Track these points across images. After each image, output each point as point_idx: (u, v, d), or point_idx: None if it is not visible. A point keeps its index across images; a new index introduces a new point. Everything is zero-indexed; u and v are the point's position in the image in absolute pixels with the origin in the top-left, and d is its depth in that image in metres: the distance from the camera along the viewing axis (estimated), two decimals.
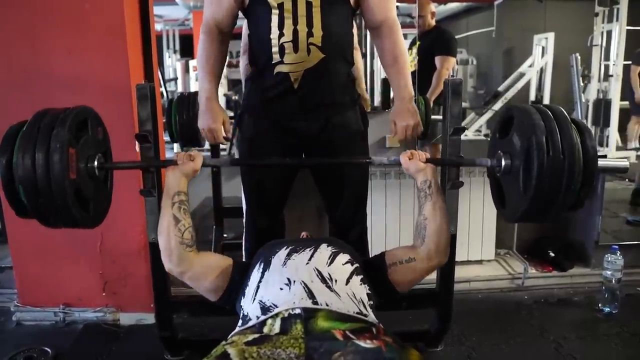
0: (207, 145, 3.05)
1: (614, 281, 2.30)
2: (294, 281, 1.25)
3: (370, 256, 1.59)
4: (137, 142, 1.65)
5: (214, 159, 1.71)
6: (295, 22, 1.54)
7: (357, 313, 1.20)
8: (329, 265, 1.32)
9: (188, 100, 2.64)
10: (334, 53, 1.61)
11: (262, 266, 1.35)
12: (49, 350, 2.01)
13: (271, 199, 1.82)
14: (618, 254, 2.32)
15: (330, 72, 1.64)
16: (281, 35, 1.55)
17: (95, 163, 1.36)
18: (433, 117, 2.54)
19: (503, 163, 1.35)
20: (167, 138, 2.63)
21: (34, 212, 1.25)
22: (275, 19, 1.55)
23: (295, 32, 1.54)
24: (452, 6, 8.43)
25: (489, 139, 1.53)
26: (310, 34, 1.55)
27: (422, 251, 1.41)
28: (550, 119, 1.25)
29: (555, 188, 1.20)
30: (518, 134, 1.30)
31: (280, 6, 1.54)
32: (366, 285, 1.34)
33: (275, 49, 1.57)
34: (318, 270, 1.29)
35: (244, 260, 2.07)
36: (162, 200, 1.43)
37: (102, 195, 1.45)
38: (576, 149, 1.21)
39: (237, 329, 1.21)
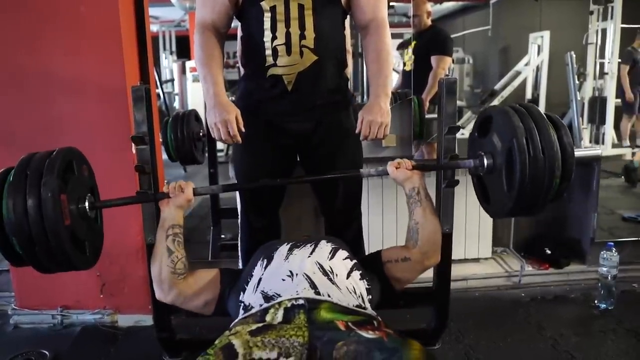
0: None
1: (609, 278, 2.31)
2: (296, 274, 1.27)
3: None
4: (133, 144, 1.65)
5: (205, 187, 1.68)
6: (287, 24, 1.54)
7: (357, 306, 1.23)
8: (330, 260, 1.35)
9: (182, 119, 2.66)
10: (326, 55, 1.61)
11: (264, 262, 1.37)
12: (47, 353, 2.01)
13: (266, 198, 1.82)
14: (614, 251, 2.33)
15: (324, 74, 1.64)
16: (274, 38, 1.55)
17: (86, 204, 1.35)
18: (428, 115, 2.54)
19: (485, 163, 1.40)
20: (164, 157, 2.62)
21: (30, 261, 1.24)
22: (267, 22, 1.55)
23: (287, 35, 1.55)
24: (448, 5, 8.43)
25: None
26: (302, 36, 1.55)
27: (415, 253, 1.46)
28: (528, 119, 1.29)
29: (537, 186, 1.27)
30: (498, 135, 1.34)
31: (273, 9, 1.54)
32: (365, 281, 1.37)
33: (268, 52, 1.57)
34: (319, 264, 1.32)
35: (240, 261, 2.08)
36: (157, 232, 1.46)
37: (96, 233, 1.45)
38: (555, 147, 1.26)
39: (239, 318, 1.22)
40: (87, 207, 1.35)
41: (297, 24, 1.55)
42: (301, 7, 1.55)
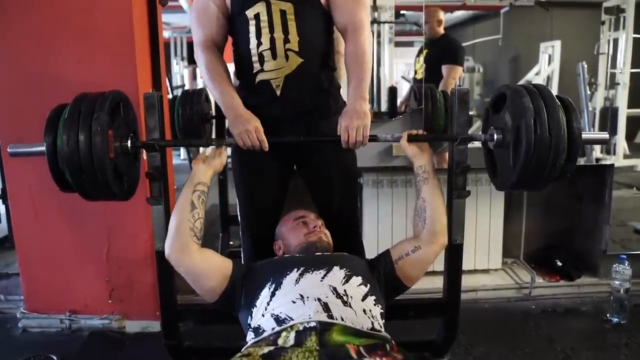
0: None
1: (622, 291, 2.29)
2: (308, 297, 1.25)
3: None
4: (144, 151, 1.66)
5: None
6: (271, 30, 1.58)
7: (371, 329, 1.22)
8: (343, 285, 1.34)
9: (192, 96, 2.59)
10: (312, 57, 1.63)
11: (272, 286, 1.35)
12: (54, 357, 2.02)
13: (265, 206, 1.82)
14: (626, 264, 2.31)
15: (311, 77, 1.65)
16: (259, 44, 1.59)
17: (129, 143, 1.48)
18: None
19: (495, 137, 1.46)
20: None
21: (77, 188, 1.38)
22: (252, 30, 1.59)
23: (272, 40, 1.58)
24: (459, 14, 8.43)
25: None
26: (286, 40, 1.58)
27: (425, 235, 1.48)
28: (539, 100, 1.34)
29: (541, 163, 1.32)
30: (509, 113, 1.40)
31: (257, 17, 1.58)
32: (379, 306, 1.36)
33: (255, 59, 1.61)
34: (333, 287, 1.30)
35: None
36: (184, 187, 1.50)
37: (134, 171, 1.57)
38: (562, 129, 1.31)
39: (251, 342, 1.21)
40: (129, 146, 1.48)
41: (281, 29, 1.58)
42: (283, 13, 1.58)
